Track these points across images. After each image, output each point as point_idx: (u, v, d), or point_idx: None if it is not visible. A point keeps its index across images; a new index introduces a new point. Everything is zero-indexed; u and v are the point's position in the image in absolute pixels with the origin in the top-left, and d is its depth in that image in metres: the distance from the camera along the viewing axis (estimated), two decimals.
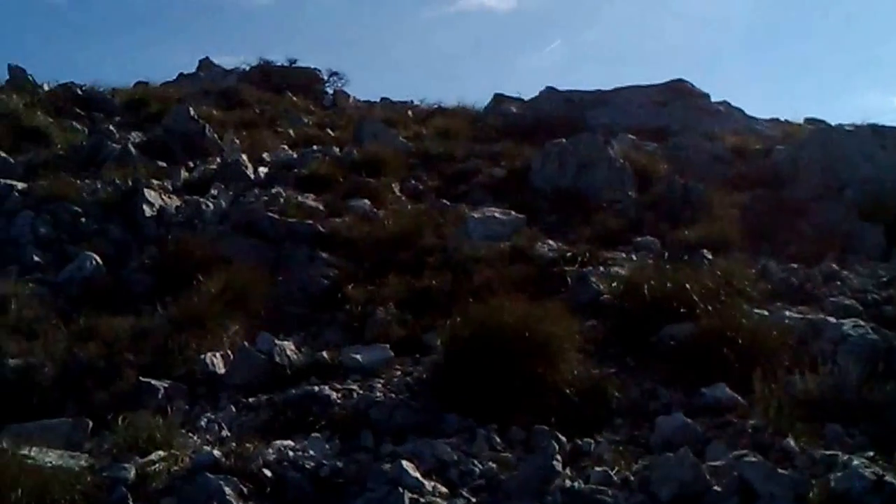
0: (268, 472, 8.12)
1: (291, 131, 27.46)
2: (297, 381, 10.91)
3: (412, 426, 9.56)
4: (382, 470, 8.15)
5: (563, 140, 20.77)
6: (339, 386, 10.46)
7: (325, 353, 11.49)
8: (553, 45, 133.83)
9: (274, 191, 18.71)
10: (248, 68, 39.97)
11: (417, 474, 8.01)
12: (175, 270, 14.79)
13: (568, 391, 9.67)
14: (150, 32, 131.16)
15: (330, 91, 39.49)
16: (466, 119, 29.63)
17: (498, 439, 9.10)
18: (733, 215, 17.36)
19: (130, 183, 18.53)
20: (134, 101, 28.75)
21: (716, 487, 7.40)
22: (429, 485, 7.97)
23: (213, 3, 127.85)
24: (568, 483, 7.78)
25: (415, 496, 7.71)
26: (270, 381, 11.00)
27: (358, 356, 11.26)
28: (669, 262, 13.18)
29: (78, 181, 18.83)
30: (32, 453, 8.15)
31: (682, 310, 11.23)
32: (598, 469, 8.09)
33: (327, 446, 8.94)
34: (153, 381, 10.78)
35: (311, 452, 8.61)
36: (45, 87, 29.24)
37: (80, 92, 28.55)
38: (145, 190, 18.00)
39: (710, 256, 14.27)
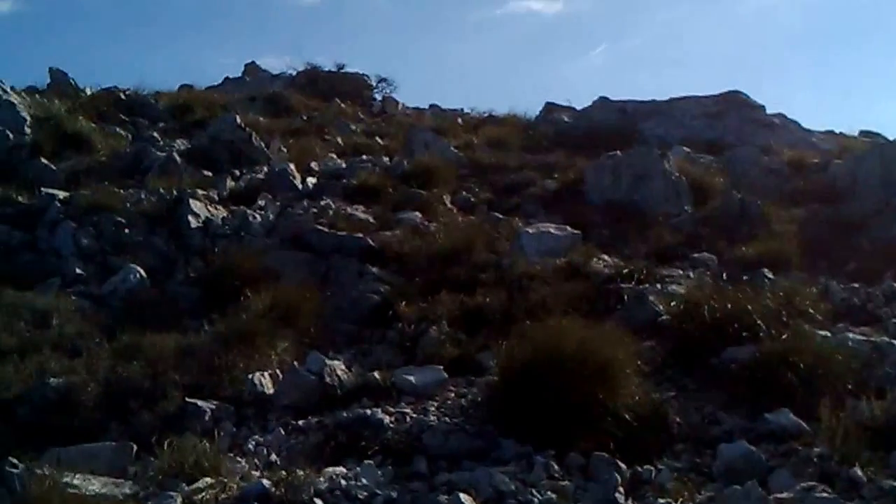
0: (319, 502, 8.02)
1: (340, 139, 27.43)
2: (347, 402, 10.79)
3: (467, 452, 9.43)
4: (438, 502, 8.04)
5: (618, 152, 20.66)
6: (391, 409, 10.32)
7: (376, 374, 11.33)
8: (599, 49, 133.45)
9: (323, 202, 18.67)
10: (294, 73, 40.06)
11: None
12: (221, 284, 14.78)
13: (627, 416, 9.50)
14: (195, 32, 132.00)
15: (378, 97, 39.48)
16: (517, 128, 29.62)
17: (556, 466, 8.95)
18: (791, 231, 17.22)
19: (175, 193, 18.55)
20: (178, 107, 28.79)
21: None
22: None
23: (258, 4, 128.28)
24: None
25: None
26: (320, 402, 10.90)
27: (411, 377, 11.12)
28: (729, 281, 13.01)
29: (121, 190, 18.87)
30: (75, 481, 8.09)
31: (743, 332, 11.05)
32: (661, 501, 7.99)
33: (380, 473, 8.82)
34: (199, 403, 10.72)
35: (364, 481, 8.50)
36: (88, 92, 29.38)
37: (123, 96, 28.68)
38: (190, 200, 18.02)
39: (770, 276, 14.08)
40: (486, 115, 33.66)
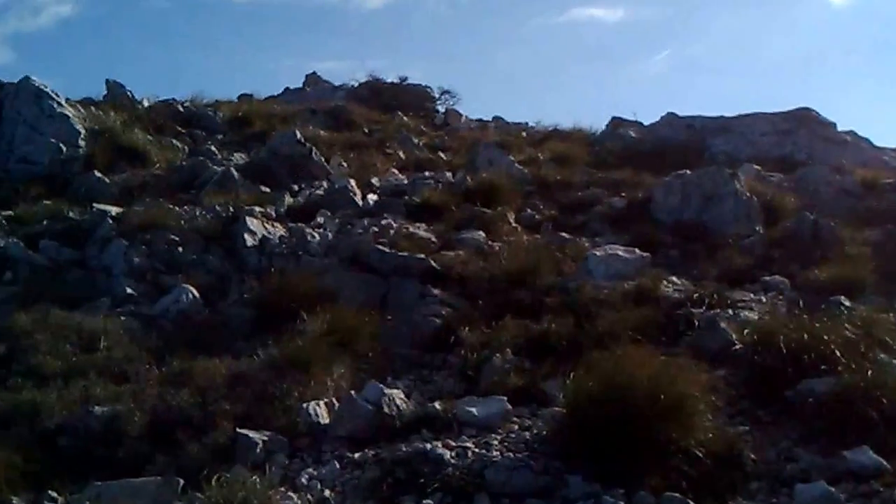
0: None
1: (402, 153, 27.37)
2: (406, 434, 10.55)
3: (532, 490, 9.17)
4: None
5: (687, 171, 20.46)
6: (452, 443, 10.04)
7: (437, 405, 11.07)
8: (661, 56, 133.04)
9: (383, 220, 18.50)
10: (356, 84, 40.06)
11: None
12: (277, 306, 14.59)
13: (700, 452, 9.19)
14: (255, 38, 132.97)
15: (441, 109, 39.43)
16: (583, 143, 29.54)
17: None
18: (864, 254, 16.85)
19: (231, 209, 18.47)
20: (237, 119, 28.83)
21: None
22: None
23: (320, 9, 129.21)
24: None
25: None
26: (378, 433, 10.63)
27: (473, 409, 10.82)
28: (804, 308, 12.63)
29: (175, 207, 18.85)
30: None
31: (821, 364, 10.68)
32: None
33: None
34: (250, 434, 10.47)
35: None
36: (145, 103, 29.49)
37: (181, 108, 28.79)
38: (247, 218, 17.91)
39: (847, 303, 13.67)
40: (550, 129, 33.53)
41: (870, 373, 10.11)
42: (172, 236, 17.17)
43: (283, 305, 14.42)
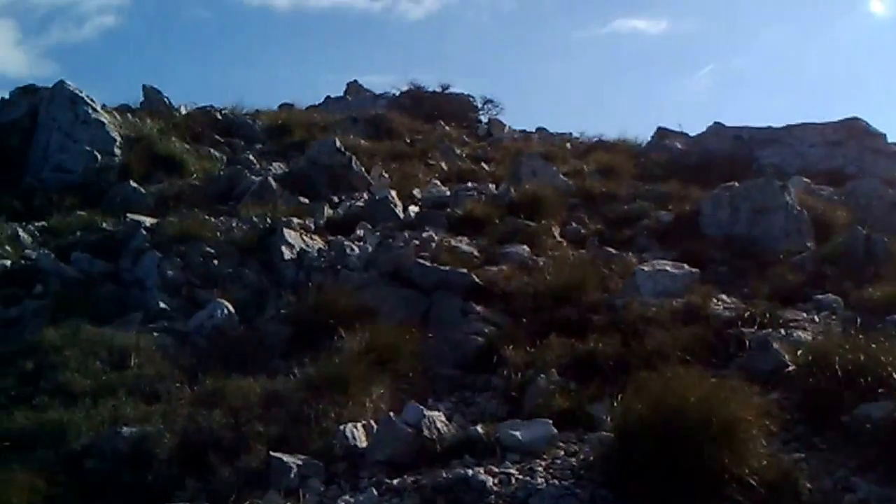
0: None
1: (444, 164, 27.20)
2: (447, 459, 10.32)
3: None
4: None
5: (735, 183, 20.23)
6: (495, 469, 9.82)
7: (479, 428, 10.84)
8: (705, 70, 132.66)
9: (425, 234, 18.32)
10: (398, 93, 39.97)
11: None
12: (314, 322, 14.44)
13: (753, 481, 8.91)
14: (297, 50, 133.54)
15: (484, 119, 39.30)
16: (628, 154, 29.34)
17: None
18: None
19: (269, 221, 18.35)
20: (276, 128, 28.75)
21: None
22: None
23: (362, 20, 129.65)
24: None
25: None
26: (418, 458, 10.42)
27: (517, 433, 10.58)
28: (859, 327, 12.33)
29: (212, 218, 18.73)
30: None
31: (878, 387, 10.37)
32: None
33: None
34: (284, 458, 10.27)
35: None
36: (183, 110, 29.42)
37: (219, 116, 28.66)
38: (285, 230, 17.80)
39: None
40: (595, 140, 33.43)
41: None
42: (208, 248, 17.10)
43: (321, 322, 14.26)
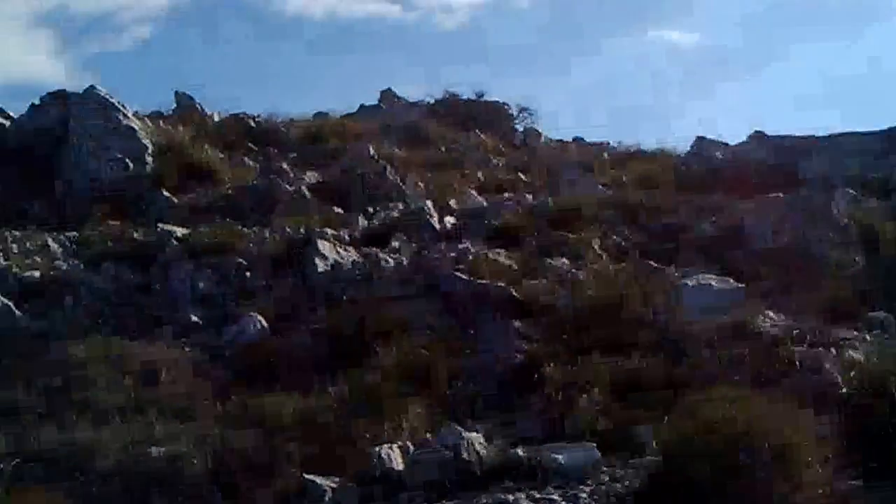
0: None
1: (480, 174, 26.93)
2: (486, 482, 10.20)
3: None
4: None
5: (780, 195, 20.02)
6: (536, 494, 9.70)
7: (519, 451, 10.70)
8: (739, 82, 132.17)
9: (462, 245, 18.17)
10: (432, 101, 39.78)
11: None
12: (349, 337, 14.37)
13: None
14: (331, 58, 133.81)
15: (519, 128, 39.08)
16: (667, 164, 28.95)
17: None
18: None
19: (303, 232, 18.20)
20: (310, 136, 28.58)
21: None
22: None
23: (397, 30, 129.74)
24: None
25: None
26: (456, 482, 10.27)
27: (559, 457, 10.42)
28: None
29: (245, 228, 18.56)
30: None
31: None
32: None
33: None
34: (318, 480, 10.18)
35: None
36: (216, 118, 29.25)
37: (253, 124, 28.47)
38: (319, 241, 17.63)
39: None
40: (633, 149, 33.03)
41: None
42: (240, 260, 17.06)
43: (356, 337, 14.22)
